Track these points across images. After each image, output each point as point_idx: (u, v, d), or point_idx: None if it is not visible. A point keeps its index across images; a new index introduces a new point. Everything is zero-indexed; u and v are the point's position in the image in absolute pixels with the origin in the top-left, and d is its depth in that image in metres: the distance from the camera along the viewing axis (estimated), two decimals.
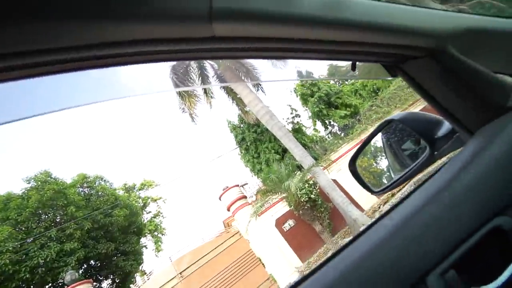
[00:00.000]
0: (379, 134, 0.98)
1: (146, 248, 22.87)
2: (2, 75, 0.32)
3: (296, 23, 0.46)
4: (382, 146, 1.18)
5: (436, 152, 0.75)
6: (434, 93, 0.66)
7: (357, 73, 0.67)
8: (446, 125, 0.73)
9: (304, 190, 9.71)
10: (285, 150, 13.50)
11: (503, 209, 0.42)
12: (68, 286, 9.71)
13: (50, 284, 15.39)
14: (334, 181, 10.19)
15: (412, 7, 0.60)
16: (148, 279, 11.23)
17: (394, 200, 9.51)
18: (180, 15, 0.36)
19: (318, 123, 19.29)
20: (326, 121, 18.81)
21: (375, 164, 1.60)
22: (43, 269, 14.16)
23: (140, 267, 20.91)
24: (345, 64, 0.69)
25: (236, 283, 9.97)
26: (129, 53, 0.39)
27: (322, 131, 19.35)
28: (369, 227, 0.48)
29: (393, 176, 1.07)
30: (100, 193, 18.62)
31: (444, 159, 0.74)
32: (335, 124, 18.30)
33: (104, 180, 19.72)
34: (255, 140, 16.80)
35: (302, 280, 0.45)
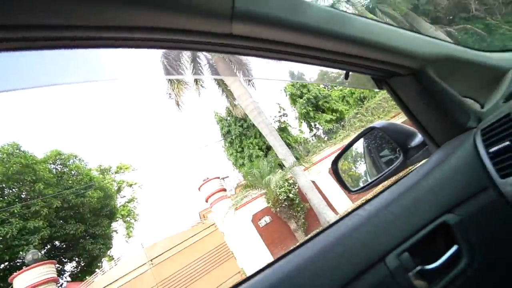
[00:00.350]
0: (361, 140, 1.05)
1: (117, 233, 22.25)
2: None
3: (304, 31, 0.52)
4: (362, 151, 1.26)
5: (408, 160, 0.83)
6: (412, 108, 0.74)
7: (348, 81, 0.73)
8: (419, 137, 0.81)
9: (284, 188, 9.91)
10: (269, 147, 13.63)
11: (451, 208, 0.53)
12: (28, 265, 9.24)
13: (7, 263, 14.60)
14: (313, 182, 10.47)
15: (402, 30, 0.67)
16: (115, 265, 10.95)
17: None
18: (205, 10, 0.39)
19: (304, 125, 19.62)
20: (312, 123, 19.17)
21: (354, 168, 1.70)
22: (1, 246, 13.38)
23: (109, 252, 20.35)
24: (336, 71, 0.75)
25: (206, 274, 10.02)
26: (141, 38, 0.40)
27: (307, 133, 19.71)
28: (346, 215, 0.57)
29: (369, 179, 1.15)
30: (73, 172, 17.82)
31: (414, 166, 0.82)
32: (320, 127, 18.70)
33: (79, 159, 18.87)
34: (240, 134, 16.79)
35: (289, 253, 0.52)
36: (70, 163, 18.03)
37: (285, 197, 9.86)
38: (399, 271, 0.47)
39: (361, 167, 1.42)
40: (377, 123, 0.89)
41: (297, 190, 10.19)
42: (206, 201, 11.84)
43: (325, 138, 16.52)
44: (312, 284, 0.46)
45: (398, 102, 0.76)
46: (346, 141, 13.03)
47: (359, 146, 1.25)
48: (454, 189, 0.56)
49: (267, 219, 11.05)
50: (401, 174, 0.88)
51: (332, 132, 16.11)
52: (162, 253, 10.17)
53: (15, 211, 14.08)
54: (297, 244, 0.60)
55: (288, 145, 13.77)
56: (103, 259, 19.43)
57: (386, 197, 0.57)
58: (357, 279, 0.46)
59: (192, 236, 10.69)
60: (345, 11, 0.65)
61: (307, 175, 10.44)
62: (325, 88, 20.59)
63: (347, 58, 0.62)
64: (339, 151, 1.07)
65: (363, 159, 1.29)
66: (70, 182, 17.06)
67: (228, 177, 14.05)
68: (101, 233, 17.78)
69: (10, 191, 15.38)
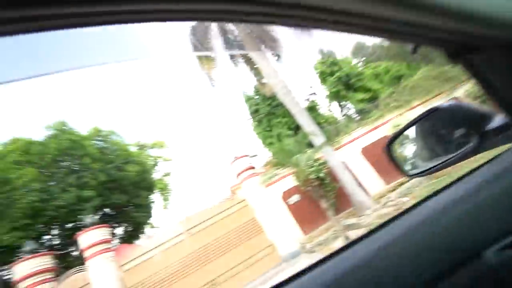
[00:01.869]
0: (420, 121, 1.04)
1: (154, 203, 24.25)
2: (4, 28, 0.27)
3: None
4: (414, 134, 1.24)
5: (482, 146, 0.82)
6: (498, 86, 0.60)
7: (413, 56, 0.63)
8: (498, 119, 0.74)
9: (314, 168, 10.01)
10: (298, 127, 13.59)
11: None
12: (87, 227, 10.75)
13: (71, 224, 16.89)
14: (343, 163, 10.41)
15: None
16: (156, 233, 12.19)
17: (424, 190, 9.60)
18: None
19: (335, 103, 18.99)
20: (342, 103, 18.48)
21: (401, 150, 1.71)
22: (66, 210, 15.54)
23: (149, 220, 22.51)
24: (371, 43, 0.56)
25: (238, 246, 10.82)
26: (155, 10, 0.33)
27: (336, 112, 19.12)
28: (415, 205, 0.57)
29: (421, 163, 1.13)
30: (113, 148, 19.41)
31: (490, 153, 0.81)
32: (351, 107, 17.99)
33: (117, 135, 20.42)
34: (268, 113, 16.82)
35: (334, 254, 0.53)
36: (109, 139, 19.61)
37: (316, 176, 9.99)
38: (502, 267, 0.44)
39: (409, 151, 1.40)
40: (441, 104, 0.79)
41: (327, 169, 10.23)
42: (237, 177, 12.41)
43: (357, 119, 15.91)
44: (398, 270, 0.45)
45: (479, 79, 0.61)
46: (379, 122, 12.46)
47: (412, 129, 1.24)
48: None
49: (296, 197, 11.38)
50: (472, 159, 0.90)
51: (364, 112, 15.44)
52: (196, 225, 11.09)
53: (71, 182, 16.05)
54: (365, 233, 0.58)
55: (317, 124, 13.61)
56: (145, 226, 21.62)
57: (467, 186, 0.55)
58: (454, 272, 0.45)
59: (223, 211, 11.44)
60: None
61: (337, 155, 10.37)
62: (357, 65, 19.39)
63: (415, 29, 0.48)
64: (393, 134, 0.98)
65: (414, 142, 1.26)
66: (111, 157, 18.62)
67: (256, 155, 14.44)
68: (142, 203, 19.62)
69: (64, 164, 17.37)
